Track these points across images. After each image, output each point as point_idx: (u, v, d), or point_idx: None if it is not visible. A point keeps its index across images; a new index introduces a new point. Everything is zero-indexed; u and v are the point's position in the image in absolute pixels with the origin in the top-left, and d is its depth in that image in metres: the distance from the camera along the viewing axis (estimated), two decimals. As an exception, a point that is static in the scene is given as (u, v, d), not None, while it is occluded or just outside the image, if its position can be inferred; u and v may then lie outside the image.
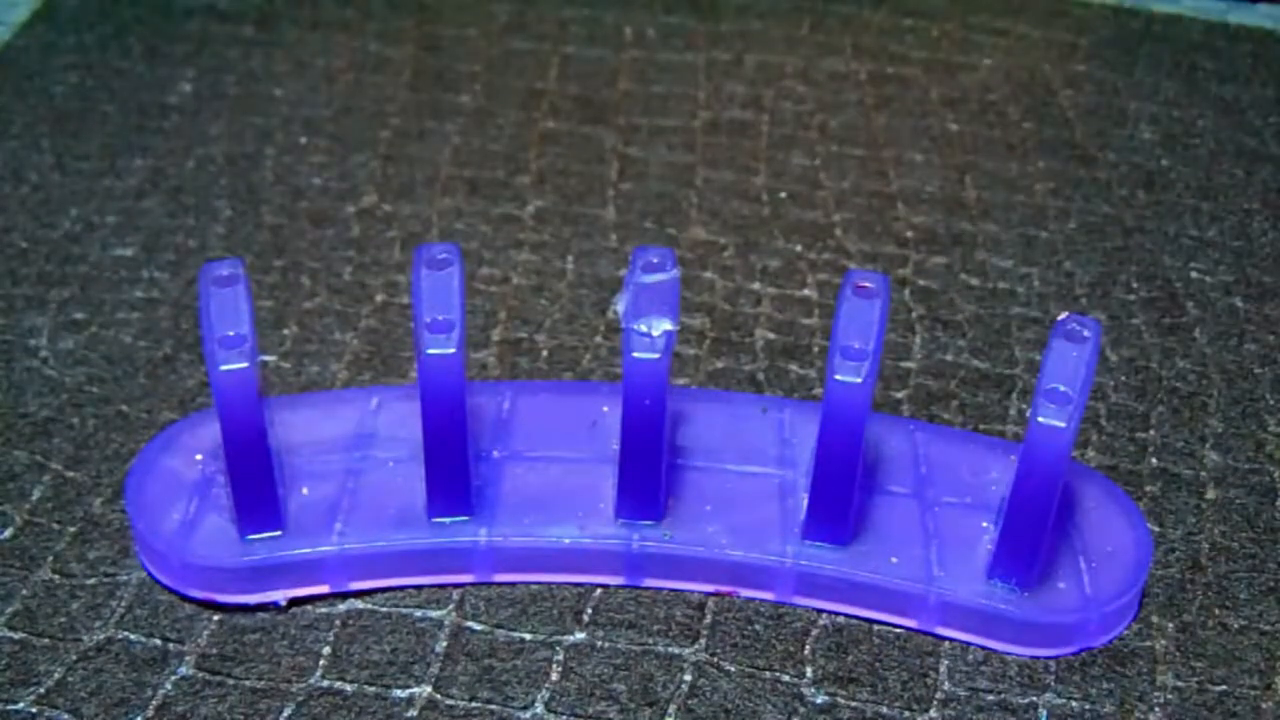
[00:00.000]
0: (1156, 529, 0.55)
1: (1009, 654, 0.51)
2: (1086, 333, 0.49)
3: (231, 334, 0.48)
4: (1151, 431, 0.59)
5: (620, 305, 0.49)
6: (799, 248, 0.69)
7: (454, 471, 0.51)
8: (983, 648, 0.51)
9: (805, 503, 0.52)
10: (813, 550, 0.52)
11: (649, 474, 0.51)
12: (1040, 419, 0.47)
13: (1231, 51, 0.86)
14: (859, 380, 0.48)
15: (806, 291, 0.66)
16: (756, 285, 0.66)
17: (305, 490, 0.53)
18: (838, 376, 0.48)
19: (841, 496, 0.51)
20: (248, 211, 0.70)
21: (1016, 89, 0.82)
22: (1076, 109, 0.80)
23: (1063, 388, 0.48)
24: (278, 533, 0.52)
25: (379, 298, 0.64)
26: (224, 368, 0.48)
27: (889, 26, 0.88)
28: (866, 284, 0.50)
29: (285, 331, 0.62)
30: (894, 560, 0.52)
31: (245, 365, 0.48)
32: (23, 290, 0.64)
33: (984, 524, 0.53)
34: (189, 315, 0.63)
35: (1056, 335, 0.49)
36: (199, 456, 0.55)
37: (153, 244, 0.67)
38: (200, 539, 0.52)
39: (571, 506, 0.53)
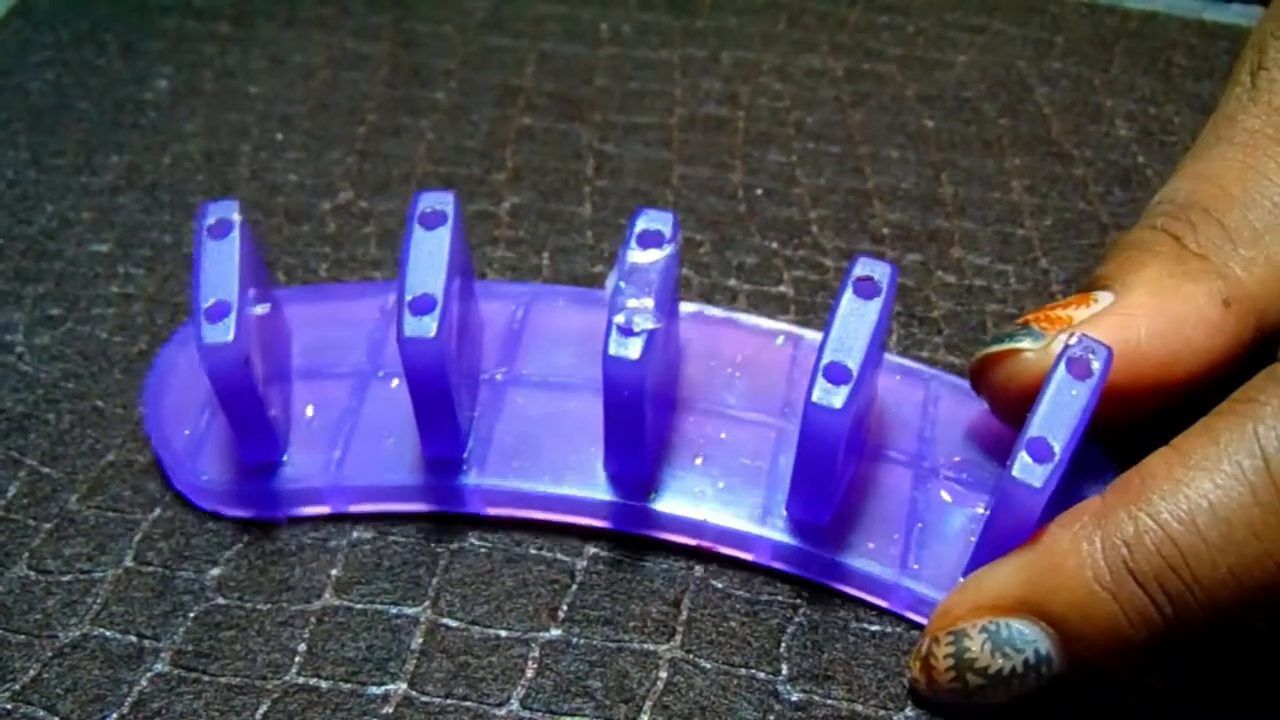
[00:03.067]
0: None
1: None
2: (1095, 364, 0.47)
3: (214, 302, 0.49)
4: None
5: (610, 282, 0.49)
6: (775, 244, 0.69)
7: (443, 426, 0.52)
8: None
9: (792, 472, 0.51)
10: (792, 526, 0.52)
11: (633, 449, 0.52)
12: (1016, 474, 0.46)
13: (1207, 49, 0.87)
14: (838, 405, 0.46)
15: (782, 288, 0.66)
16: (733, 281, 0.66)
17: (309, 410, 0.55)
18: (815, 400, 0.47)
19: (821, 494, 0.51)
20: (240, 205, 0.69)
21: (992, 86, 0.82)
22: (1052, 106, 0.81)
23: (1051, 440, 0.46)
24: (280, 459, 0.54)
25: (355, 294, 0.64)
26: (209, 341, 0.48)
27: (865, 23, 0.88)
28: (869, 275, 0.48)
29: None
30: (870, 545, 0.52)
31: (229, 340, 0.48)
32: (-2, 286, 0.64)
33: (979, 509, 0.53)
34: (165, 310, 0.63)
35: (1059, 365, 0.47)
36: None
37: (128, 240, 0.67)
38: (206, 458, 0.54)
39: (562, 451, 0.54)
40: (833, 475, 0.50)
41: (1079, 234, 0.70)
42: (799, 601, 0.52)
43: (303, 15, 0.86)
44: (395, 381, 0.56)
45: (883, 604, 0.52)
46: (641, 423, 0.50)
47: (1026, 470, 0.46)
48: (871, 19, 0.88)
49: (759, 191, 0.72)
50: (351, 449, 0.54)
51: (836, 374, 0.47)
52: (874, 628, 0.51)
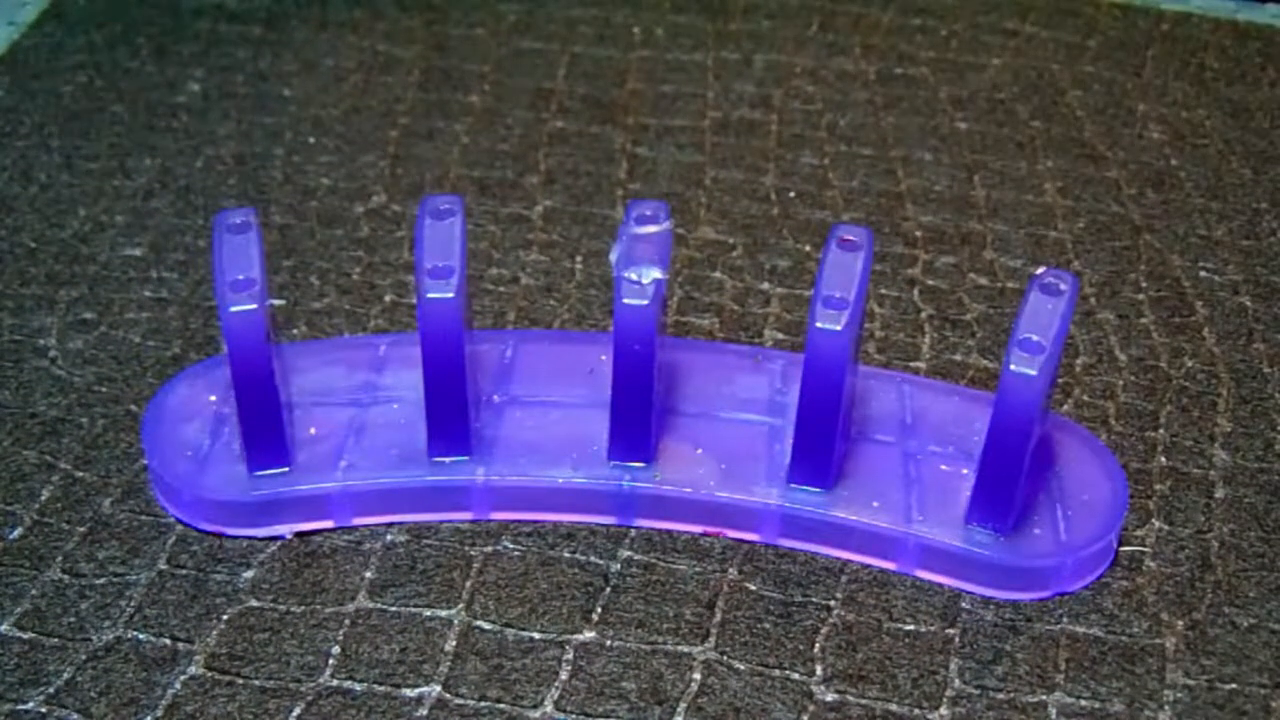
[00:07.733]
0: (1166, 527, 0.55)
1: (987, 597, 0.52)
2: (1063, 286, 0.50)
3: (241, 278, 0.51)
4: (1161, 430, 0.59)
5: (614, 255, 0.51)
6: (808, 247, 0.68)
7: (453, 413, 0.53)
8: (961, 590, 0.53)
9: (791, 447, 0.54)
10: (797, 493, 0.54)
11: (639, 417, 0.53)
12: (1013, 367, 0.49)
13: (1240, 51, 0.86)
14: (839, 328, 0.49)
15: (815, 291, 0.66)
16: (765, 285, 0.66)
17: (312, 430, 0.56)
18: (819, 324, 0.49)
19: (824, 440, 0.53)
20: (256, 211, 0.69)
21: (1025, 88, 0.82)
22: (1085, 108, 0.80)
23: (1036, 337, 0.49)
24: (285, 469, 0.54)
25: (388, 298, 0.64)
26: (234, 309, 0.50)
27: (898, 26, 0.88)
28: (850, 237, 0.52)
29: (295, 332, 0.62)
30: (875, 504, 0.54)
31: (253, 307, 0.50)
32: (31, 290, 0.64)
33: (964, 471, 0.55)
34: (198, 314, 0.63)
35: (1033, 288, 0.50)
36: (213, 397, 0.57)
37: (161, 244, 0.67)
38: (211, 475, 0.54)
39: (566, 448, 0.55)
40: (837, 411, 0.51)
41: (1112, 236, 0.70)
42: (832, 603, 0.52)
43: (335, 19, 0.86)
44: (396, 405, 0.57)
45: (890, 566, 0.53)
46: (650, 381, 0.52)
47: (1023, 362, 0.49)
48: (904, 22, 0.88)
49: (792, 194, 0.72)
50: (357, 458, 0.55)
51: (833, 304, 0.50)
52: (908, 627, 0.51)
